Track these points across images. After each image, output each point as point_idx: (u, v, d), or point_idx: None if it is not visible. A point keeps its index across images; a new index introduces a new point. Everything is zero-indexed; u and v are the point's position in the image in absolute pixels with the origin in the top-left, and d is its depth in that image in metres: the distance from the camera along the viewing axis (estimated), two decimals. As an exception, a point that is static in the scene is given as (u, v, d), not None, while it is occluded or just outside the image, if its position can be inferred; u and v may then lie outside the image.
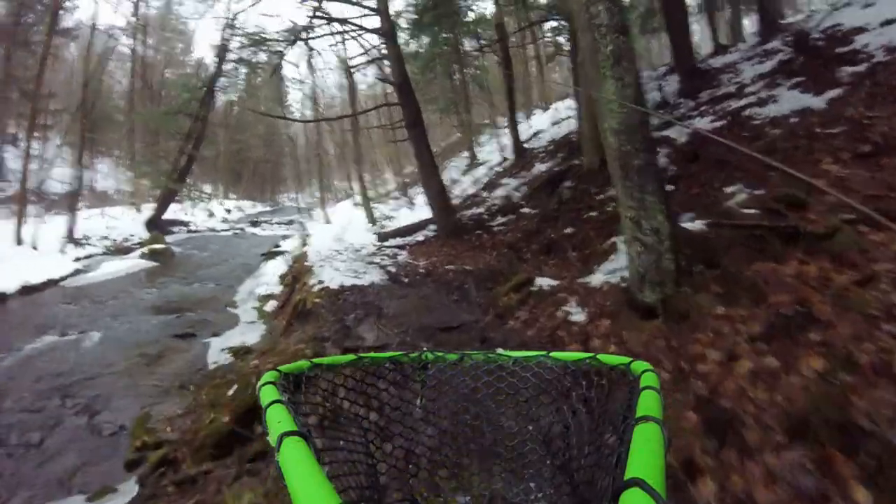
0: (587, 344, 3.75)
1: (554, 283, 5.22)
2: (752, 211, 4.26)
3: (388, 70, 12.02)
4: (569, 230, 7.32)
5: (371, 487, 1.02)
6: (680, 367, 3.04)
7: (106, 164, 27.10)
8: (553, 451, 1.11)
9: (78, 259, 13.28)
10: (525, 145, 15.15)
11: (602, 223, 6.90)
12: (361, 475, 0.99)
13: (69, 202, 15.21)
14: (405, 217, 15.07)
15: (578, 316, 4.16)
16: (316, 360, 1.03)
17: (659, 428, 0.61)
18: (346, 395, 1.13)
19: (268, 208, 36.15)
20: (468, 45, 18.16)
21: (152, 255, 13.88)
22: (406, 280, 6.98)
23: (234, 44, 18.29)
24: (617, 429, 0.80)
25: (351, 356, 1.12)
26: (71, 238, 14.72)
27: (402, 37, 14.24)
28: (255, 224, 24.06)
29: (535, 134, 16.74)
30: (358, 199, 20.13)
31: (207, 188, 30.56)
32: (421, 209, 13.26)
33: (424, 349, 1.38)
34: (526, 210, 9.46)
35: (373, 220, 16.10)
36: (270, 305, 8.69)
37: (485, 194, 12.92)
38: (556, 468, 1.08)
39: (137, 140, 22.40)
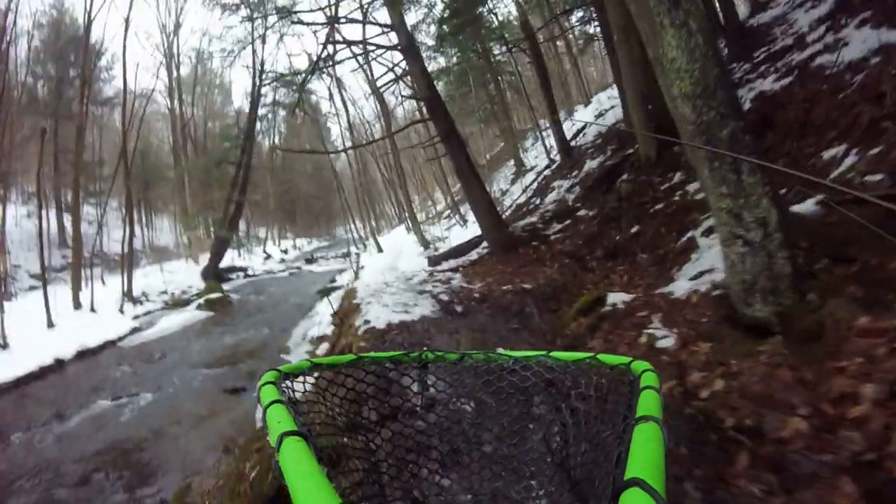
0: (683, 380, 2.85)
1: (628, 297, 4.39)
2: (877, 178, 3.29)
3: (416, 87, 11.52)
4: (635, 229, 6.49)
5: (372, 486, 1.04)
6: (821, 409, 2.13)
7: (164, 219, 28.17)
8: (553, 449, 1.11)
9: (136, 317, 13.43)
10: (572, 143, 14.42)
11: (671, 216, 6.05)
12: (362, 474, 1.02)
13: (125, 262, 15.54)
14: (458, 236, 14.51)
15: (667, 340, 3.27)
16: (316, 360, 1.03)
17: (659, 428, 0.60)
18: (347, 394, 1.11)
19: (324, 243, 36.58)
20: (497, 51, 17.64)
21: (209, 305, 13.85)
22: (460, 309, 6.29)
23: (265, 87, 18.55)
24: (617, 428, 0.77)
25: (351, 356, 1.09)
26: (129, 297, 14.97)
27: (429, 52, 13.85)
28: (310, 261, 24.05)
29: (581, 130, 15.85)
30: (409, 223, 19.80)
31: (262, 231, 31.16)
32: (474, 226, 12.65)
33: (424, 349, 1.26)
34: (583, 212, 8.64)
35: (425, 244, 15.62)
36: (322, 349, 8.22)
37: (536, 201, 12.27)
38: (556, 466, 1.08)
39: (189, 194, 23.06)
